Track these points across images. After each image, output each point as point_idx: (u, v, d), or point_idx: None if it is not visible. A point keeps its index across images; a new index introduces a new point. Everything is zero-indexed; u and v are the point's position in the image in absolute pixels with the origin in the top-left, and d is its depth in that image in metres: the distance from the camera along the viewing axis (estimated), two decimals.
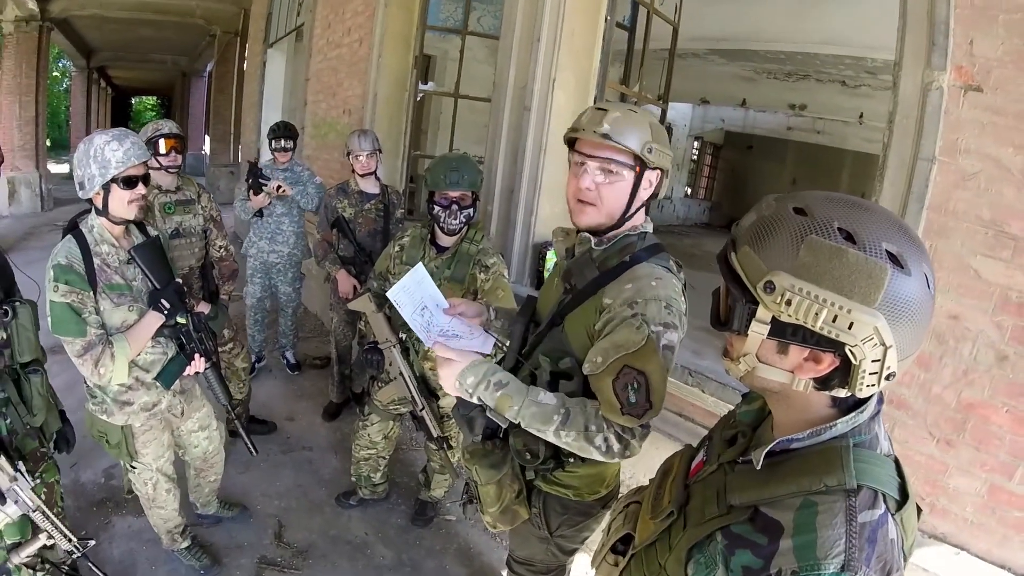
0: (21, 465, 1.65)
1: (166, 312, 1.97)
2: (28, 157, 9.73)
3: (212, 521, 2.73)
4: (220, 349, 3.10)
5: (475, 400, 1.38)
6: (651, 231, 1.48)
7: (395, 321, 2.41)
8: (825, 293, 0.72)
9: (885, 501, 0.77)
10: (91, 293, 1.86)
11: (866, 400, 0.81)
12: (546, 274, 3.21)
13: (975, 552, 1.81)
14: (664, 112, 4.05)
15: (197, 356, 2.09)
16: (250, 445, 2.32)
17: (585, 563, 2.56)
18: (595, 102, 3.21)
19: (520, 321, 1.59)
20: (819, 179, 13.19)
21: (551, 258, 3.17)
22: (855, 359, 0.73)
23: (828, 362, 0.76)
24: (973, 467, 1.80)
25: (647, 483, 1.18)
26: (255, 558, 2.57)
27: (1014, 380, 1.72)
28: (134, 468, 2.20)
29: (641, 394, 1.24)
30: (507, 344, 1.61)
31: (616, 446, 1.29)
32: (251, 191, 3.79)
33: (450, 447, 2.40)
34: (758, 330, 0.78)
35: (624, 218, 1.41)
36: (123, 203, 1.88)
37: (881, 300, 0.71)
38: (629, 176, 1.36)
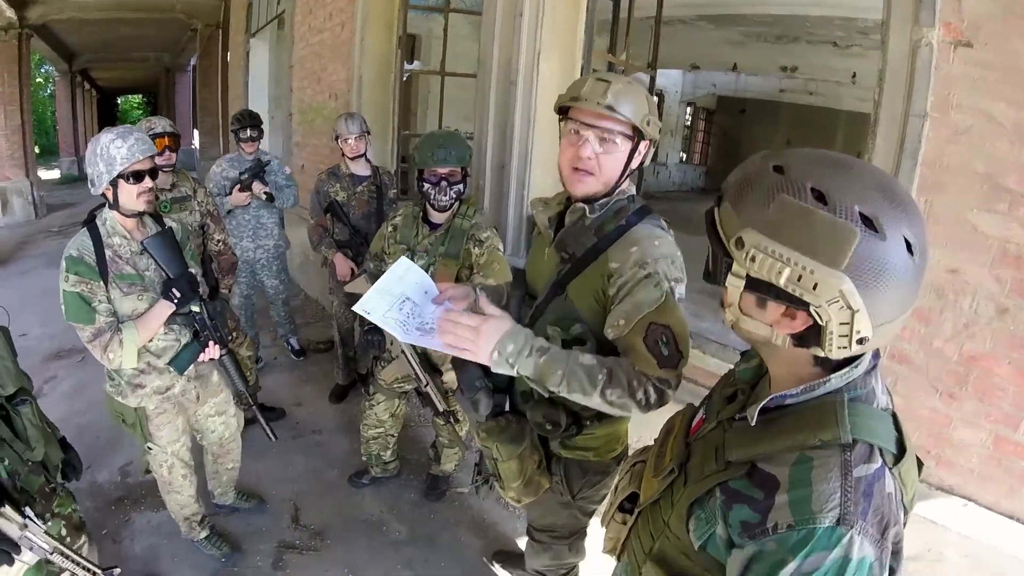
0: (29, 511, 1.57)
1: (176, 301, 2.02)
2: (17, 166, 9.67)
3: (228, 511, 2.77)
4: None
5: (513, 371, 1.29)
6: (634, 193, 1.51)
7: None
8: (790, 252, 0.72)
9: (882, 455, 0.78)
10: (101, 283, 1.93)
11: (859, 355, 0.80)
12: None
13: (983, 503, 1.83)
14: (653, 79, 4.03)
15: (211, 343, 2.15)
16: (268, 431, 2.37)
17: (597, 526, 2.63)
18: (581, 73, 3.19)
19: (515, 296, 1.61)
20: (813, 140, 13.06)
21: None
22: (820, 320, 0.74)
23: (802, 320, 0.76)
24: (978, 419, 1.81)
25: (651, 444, 1.20)
26: (274, 543, 2.62)
27: (1015, 332, 1.72)
28: (150, 450, 2.26)
29: (671, 346, 1.31)
30: None
31: (654, 397, 1.31)
32: (238, 187, 3.68)
33: (457, 421, 2.43)
34: (734, 284, 0.79)
35: (616, 185, 1.45)
36: (132, 197, 1.94)
37: (848, 263, 0.70)
38: (626, 146, 1.40)
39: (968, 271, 1.79)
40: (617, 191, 1.46)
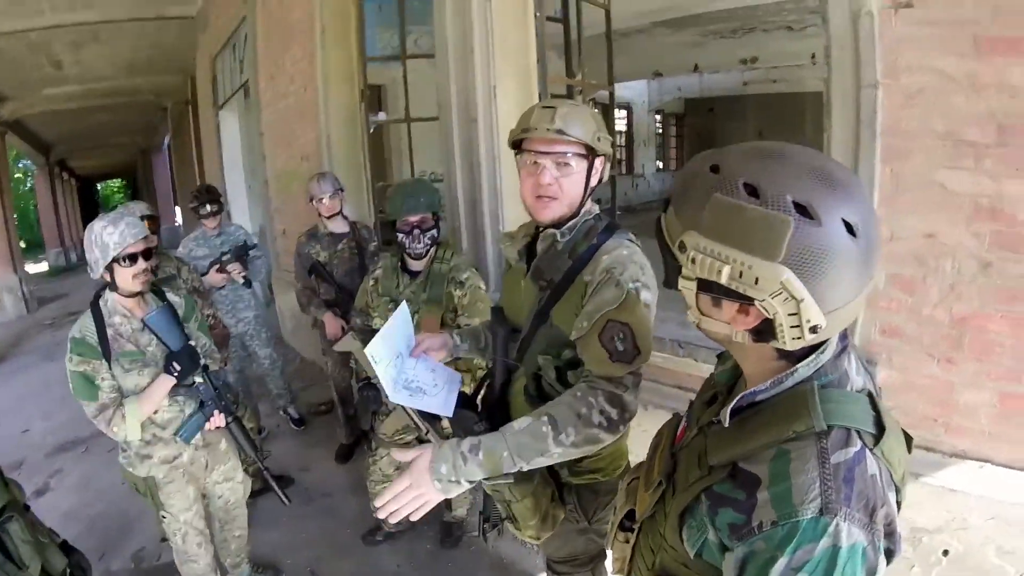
0: None
1: (176, 374, 2.08)
2: (4, 263, 9.67)
3: None
4: None
5: (463, 484, 1.23)
6: (597, 211, 1.53)
7: None
8: (727, 250, 0.72)
9: (861, 437, 0.76)
10: (103, 362, 2.02)
11: (824, 342, 0.80)
12: None
13: (999, 462, 1.79)
14: (612, 95, 4.05)
15: (216, 412, 2.19)
16: (281, 494, 2.36)
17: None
18: (539, 99, 3.21)
19: (500, 332, 1.60)
20: (784, 126, 13.16)
21: None
22: (768, 313, 0.73)
23: (755, 315, 0.76)
24: (979, 379, 1.78)
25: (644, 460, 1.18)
26: None
27: (1002, 285, 1.70)
28: (164, 518, 2.28)
29: (628, 342, 1.28)
30: (488, 360, 1.61)
31: (614, 412, 1.27)
32: (216, 267, 3.59)
33: None
34: (687, 286, 0.80)
35: (581, 206, 1.47)
36: (128, 279, 2.03)
37: (785, 253, 0.69)
38: (582, 166, 1.42)
39: (945, 232, 1.77)
40: (583, 211, 1.48)
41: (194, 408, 2.19)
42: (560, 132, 1.35)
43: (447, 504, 2.85)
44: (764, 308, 0.73)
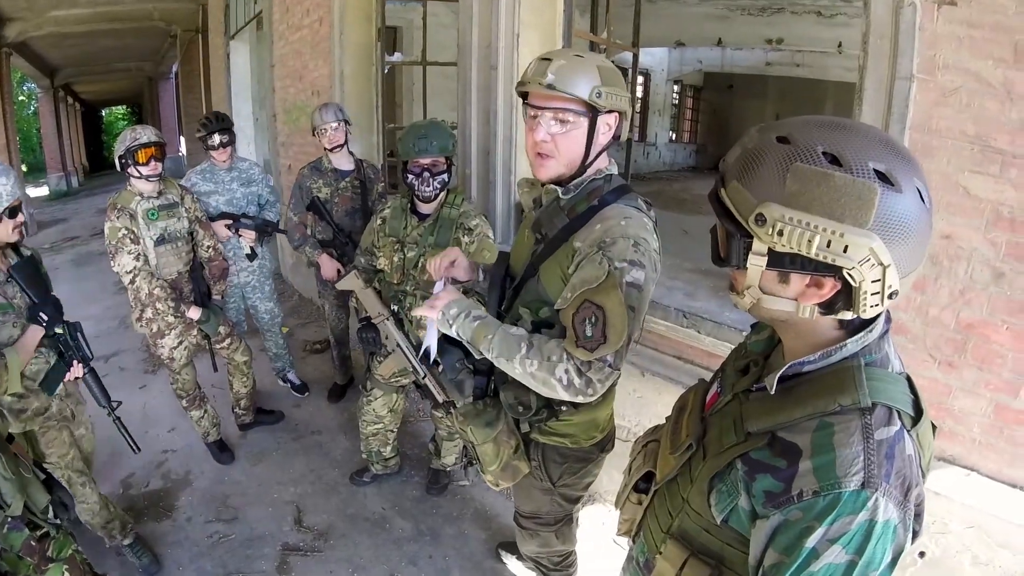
0: None
1: (44, 323, 2.09)
2: None
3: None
4: (219, 346, 3.10)
5: (453, 332, 1.43)
6: (616, 172, 1.48)
7: (385, 294, 2.42)
8: (816, 219, 0.71)
9: (900, 418, 0.78)
10: None
11: (873, 320, 0.81)
12: None
13: (985, 473, 1.80)
14: (636, 57, 3.97)
15: (75, 363, 2.21)
16: (132, 444, 2.45)
17: (596, 514, 2.62)
18: None
19: (496, 275, 1.60)
20: (802, 112, 12.82)
21: None
22: (854, 281, 0.73)
23: (830, 287, 0.76)
24: (977, 387, 1.78)
25: (662, 423, 1.20)
26: (277, 546, 2.61)
27: (1012, 297, 1.69)
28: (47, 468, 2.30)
29: (597, 328, 1.26)
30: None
31: (577, 381, 1.29)
32: (228, 222, 3.37)
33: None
34: (756, 263, 0.78)
35: (585, 165, 1.41)
36: (8, 231, 2.03)
37: (873, 220, 0.70)
38: (583, 123, 1.35)
39: (962, 236, 1.75)
40: (591, 170, 1.42)
41: (55, 360, 2.19)
42: (550, 87, 1.28)
43: (436, 451, 2.88)
44: (851, 276, 0.73)
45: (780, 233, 0.73)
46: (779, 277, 0.79)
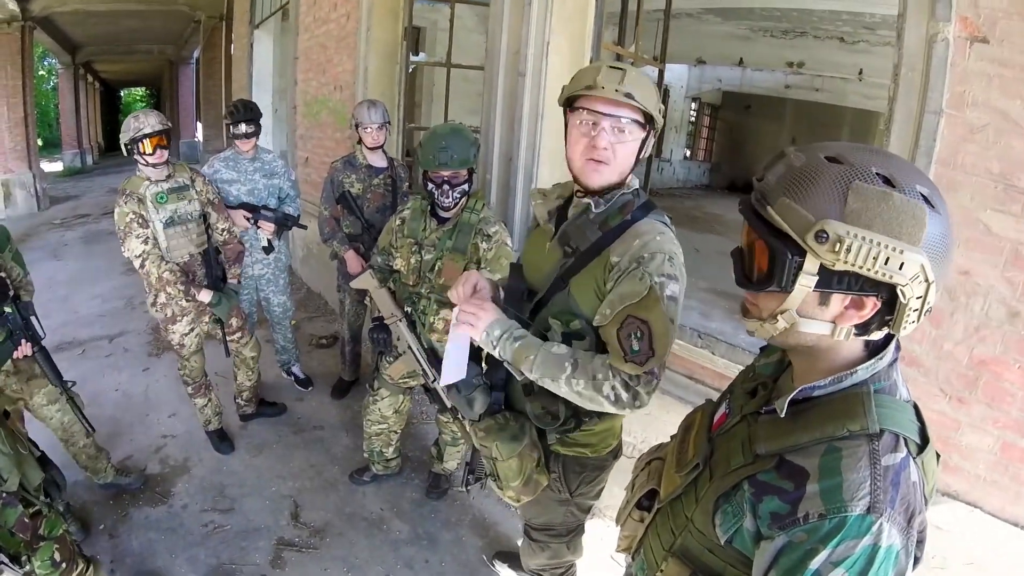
0: (2, 555, 1.52)
1: None
2: (20, 158, 9.67)
3: (113, 489, 2.82)
4: (229, 337, 3.09)
5: (496, 353, 1.42)
6: (638, 185, 1.50)
7: (399, 295, 2.40)
8: (878, 236, 0.73)
9: (907, 445, 0.79)
10: None
11: (883, 347, 0.84)
12: None
13: (988, 510, 1.80)
14: (661, 73, 3.98)
15: (24, 341, 2.26)
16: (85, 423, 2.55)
17: (594, 529, 2.61)
18: (590, 64, 3.14)
19: (515, 289, 1.59)
20: (818, 137, 12.89)
21: None
22: (904, 298, 0.75)
23: (871, 306, 0.78)
24: (985, 424, 1.78)
25: (667, 441, 1.21)
26: (273, 540, 2.60)
27: None
28: None
29: (644, 342, 1.29)
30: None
31: (624, 395, 1.32)
32: (246, 211, 3.36)
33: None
34: (806, 283, 0.78)
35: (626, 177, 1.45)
36: None
37: (924, 239, 0.73)
38: (639, 135, 1.39)
39: (980, 273, 1.75)
40: (624, 184, 1.46)
41: (3, 337, 2.23)
42: (629, 96, 1.30)
43: (438, 455, 2.87)
44: (903, 292, 0.75)
45: (848, 249, 0.73)
46: (820, 299, 0.79)
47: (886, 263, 0.73)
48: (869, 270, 0.74)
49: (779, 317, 0.83)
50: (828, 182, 0.75)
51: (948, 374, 1.83)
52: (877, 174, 0.74)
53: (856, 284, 0.76)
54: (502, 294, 1.66)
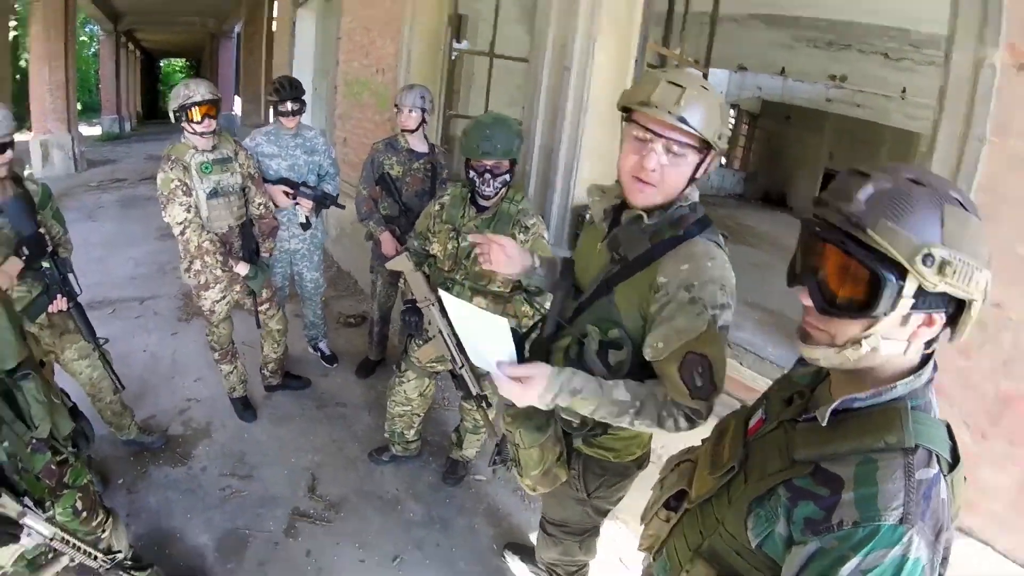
0: (27, 500, 1.50)
1: (24, 258, 2.22)
2: (60, 120, 9.82)
3: (135, 447, 2.92)
4: (257, 309, 3.13)
5: (553, 405, 1.40)
6: (697, 200, 1.43)
7: (434, 279, 2.42)
8: (968, 257, 0.77)
9: (939, 462, 0.82)
10: None
11: (921, 367, 0.87)
12: None
13: (1000, 549, 1.76)
14: (705, 77, 3.96)
15: (59, 296, 2.36)
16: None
17: (607, 530, 2.62)
18: (636, 63, 3.13)
19: (562, 286, 1.57)
20: (858, 154, 12.78)
21: None
22: (972, 311, 0.80)
23: (940, 321, 0.82)
24: (1006, 461, 1.73)
25: (697, 444, 1.24)
26: (288, 510, 2.65)
27: None
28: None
29: (706, 377, 1.28)
30: (545, 306, 1.62)
31: (685, 424, 1.33)
32: (287, 188, 3.39)
33: (488, 405, 2.44)
34: (904, 306, 0.80)
35: (678, 197, 1.38)
36: None
37: (987, 258, 0.78)
38: (692, 159, 1.31)
39: (1013, 306, 1.70)
40: (679, 199, 1.39)
41: (40, 291, 2.33)
42: (682, 120, 1.22)
43: (458, 442, 2.90)
44: (972, 306, 0.80)
45: (954, 272, 0.76)
46: (902, 320, 0.82)
47: (970, 281, 0.77)
48: (967, 289, 0.77)
49: (863, 342, 0.83)
50: (924, 205, 0.77)
51: (973, 407, 1.78)
52: (954, 197, 0.78)
53: (937, 303, 0.80)
54: (537, 262, 1.68)
